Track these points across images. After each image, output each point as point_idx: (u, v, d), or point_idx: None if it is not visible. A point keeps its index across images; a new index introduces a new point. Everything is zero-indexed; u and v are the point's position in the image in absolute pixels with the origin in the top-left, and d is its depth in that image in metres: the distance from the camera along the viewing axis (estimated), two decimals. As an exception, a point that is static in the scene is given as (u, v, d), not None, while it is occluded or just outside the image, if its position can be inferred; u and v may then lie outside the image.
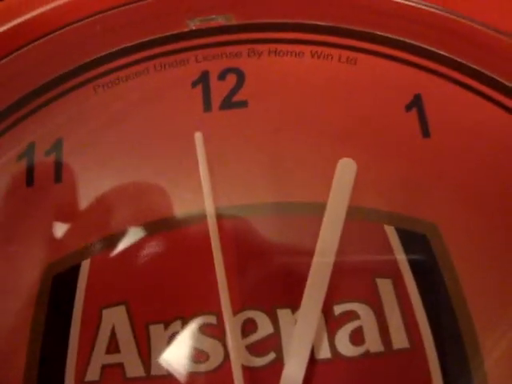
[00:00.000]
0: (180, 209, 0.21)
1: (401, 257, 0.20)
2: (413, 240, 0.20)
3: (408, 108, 0.22)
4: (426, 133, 0.22)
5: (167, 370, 0.19)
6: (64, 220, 0.21)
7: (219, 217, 0.20)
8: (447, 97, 0.22)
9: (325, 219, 0.20)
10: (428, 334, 0.19)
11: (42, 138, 0.22)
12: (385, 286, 0.20)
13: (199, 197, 0.20)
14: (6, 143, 0.23)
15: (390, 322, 0.20)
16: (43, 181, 0.22)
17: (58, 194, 0.22)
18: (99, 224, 0.21)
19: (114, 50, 0.23)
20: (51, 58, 0.23)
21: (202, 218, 0.20)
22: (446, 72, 0.22)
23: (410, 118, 0.22)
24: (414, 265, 0.20)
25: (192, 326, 0.20)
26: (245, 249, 0.20)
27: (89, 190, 0.22)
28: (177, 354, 0.20)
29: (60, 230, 0.21)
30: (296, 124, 0.22)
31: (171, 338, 0.20)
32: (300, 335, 0.19)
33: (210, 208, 0.20)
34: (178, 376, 0.19)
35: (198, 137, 0.21)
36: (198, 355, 0.20)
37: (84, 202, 0.21)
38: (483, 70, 0.22)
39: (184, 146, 0.21)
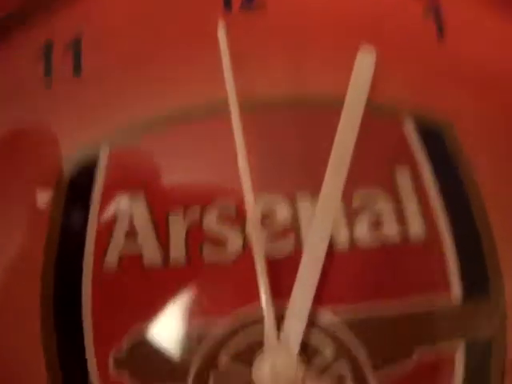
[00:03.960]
0: (202, 101, 0.21)
1: (418, 150, 0.21)
2: (430, 135, 0.21)
3: (426, 10, 0.22)
4: (441, 34, 0.22)
5: (185, 259, 0.19)
6: (83, 112, 0.21)
7: (241, 108, 0.20)
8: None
9: (344, 109, 0.20)
10: (444, 225, 0.20)
11: (61, 34, 0.22)
12: (403, 177, 0.20)
13: (221, 89, 0.20)
14: (24, 40, 0.22)
15: (408, 212, 0.20)
16: (62, 76, 0.22)
17: (76, 88, 0.22)
18: (118, 114, 0.21)
19: None
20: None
21: (225, 109, 0.20)
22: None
23: (427, 20, 0.22)
24: (431, 158, 0.20)
25: (211, 215, 0.20)
26: (265, 137, 0.21)
27: (109, 83, 0.21)
28: (195, 243, 0.20)
29: (79, 121, 0.21)
30: (315, 22, 0.22)
31: (190, 226, 0.20)
32: (319, 222, 0.19)
33: (232, 99, 0.20)
34: (195, 265, 0.19)
35: (221, 31, 0.21)
36: (217, 243, 0.20)
37: (103, 95, 0.21)
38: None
39: (206, 43, 0.21)
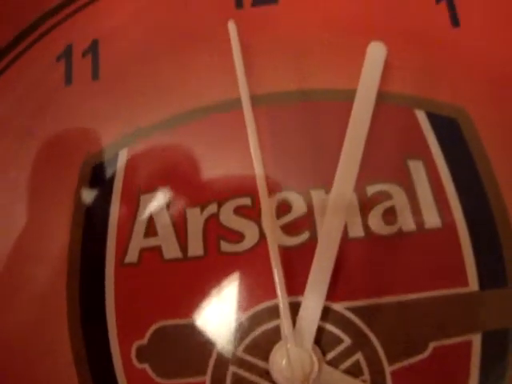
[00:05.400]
0: (215, 96, 0.21)
1: (432, 140, 0.21)
2: (443, 124, 0.21)
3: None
4: (455, 22, 0.22)
5: (203, 251, 0.20)
6: (102, 114, 0.22)
7: (253, 104, 0.21)
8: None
9: (355, 103, 0.20)
10: (460, 215, 0.20)
11: (79, 40, 0.23)
12: (416, 168, 0.20)
13: (234, 85, 0.21)
14: (45, 46, 0.23)
15: (422, 203, 0.20)
16: (81, 79, 0.23)
17: (96, 91, 0.22)
18: (136, 115, 0.22)
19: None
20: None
21: (238, 106, 0.21)
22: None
23: (439, 8, 0.22)
24: (445, 148, 0.20)
25: (227, 208, 0.20)
26: (278, 134, 0.21)
27: (126, 84, 0.22)
28: (212, 236, 0.20)
29: (98, 123, 0.22)
30: (325, 19, 0.22)
31: (207, 220, 0.20)
32: (332, 214, 0.19)
33: (244, 95, 0.20)
34: (213, 257, 0.20)
35: (232, 27, 0.21)
36: (234, 236, 0.20)
37: (121, 97, 0.22)
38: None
39: (218, 40, 0.22)
